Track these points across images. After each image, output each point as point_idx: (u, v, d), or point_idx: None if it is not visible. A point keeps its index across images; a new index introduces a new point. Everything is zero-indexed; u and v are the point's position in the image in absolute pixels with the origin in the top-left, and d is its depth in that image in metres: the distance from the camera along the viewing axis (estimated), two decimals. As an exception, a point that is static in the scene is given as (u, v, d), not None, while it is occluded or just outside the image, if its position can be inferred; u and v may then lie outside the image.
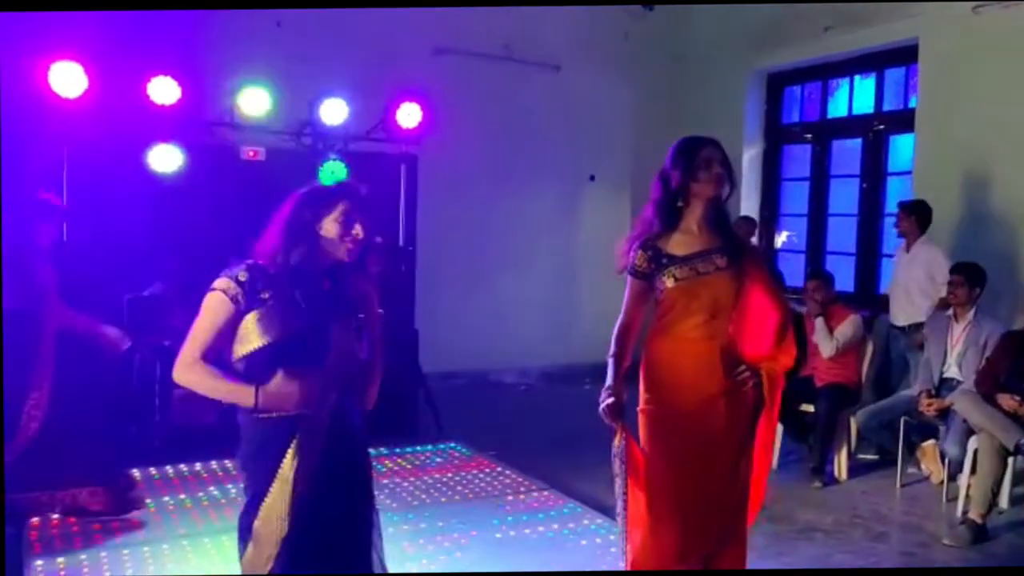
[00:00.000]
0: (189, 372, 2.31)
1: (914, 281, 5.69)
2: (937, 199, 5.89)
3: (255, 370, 2.32)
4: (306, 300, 2.36)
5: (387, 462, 5.53)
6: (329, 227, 2.38)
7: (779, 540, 4.26)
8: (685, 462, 2.87)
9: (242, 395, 2.31)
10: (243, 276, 2.33)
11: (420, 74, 6.70)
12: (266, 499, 2.34)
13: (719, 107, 7.81)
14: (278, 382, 2.30)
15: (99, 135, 5.30)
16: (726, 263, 2.89)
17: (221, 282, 2.33)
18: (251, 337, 2.32)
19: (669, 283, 2.85)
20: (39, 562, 3.84)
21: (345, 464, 2.43)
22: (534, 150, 8.06)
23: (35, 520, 4.26)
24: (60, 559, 3.88)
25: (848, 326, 5.45)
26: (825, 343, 5.43)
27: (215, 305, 2.31)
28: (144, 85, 5.19)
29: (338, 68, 6.40)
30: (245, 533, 2.38)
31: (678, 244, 2.87)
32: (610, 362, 2.93)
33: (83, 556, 3.93)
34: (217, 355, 2.34)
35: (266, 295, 2.32)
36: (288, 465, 2.33)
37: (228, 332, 2.33)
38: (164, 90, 5.20)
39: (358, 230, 2.40)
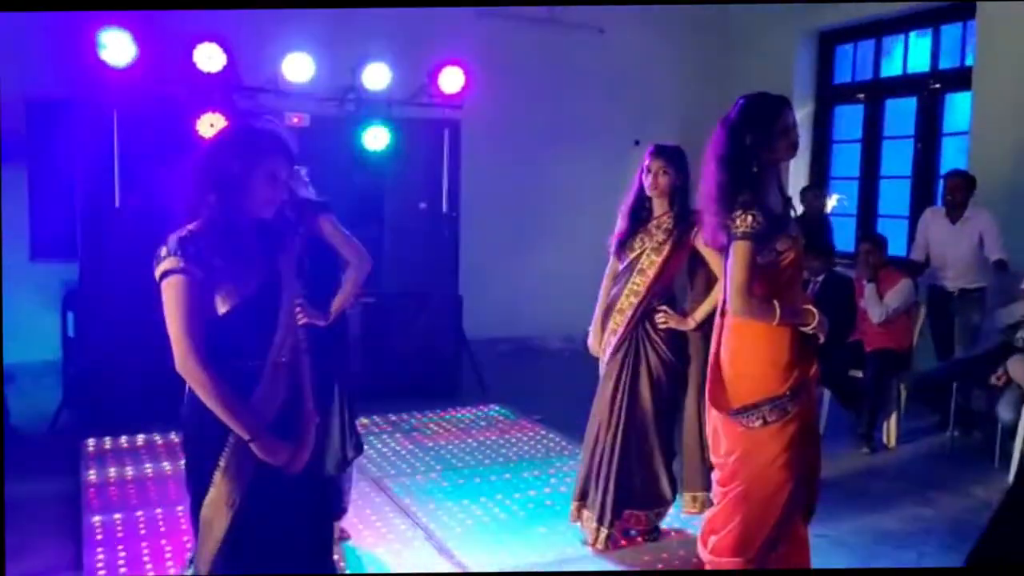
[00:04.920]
0: (184, 369, 2.14)
1: (970, 249, 5.56)
2: (994, 159, 5.72)
3: (213, 340, 2.17)
4: (250, 262, 2.22)
5: (432, 425, 5.59)
6: (257, 181, 2.20)
7: (825, 507, 4.19)
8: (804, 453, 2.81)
9: (239, 430, 2.16)
10: (190, 248, 2.14)
11: (463, 38, 6.65)
12: (211, 489, 2.21)
13: (768, 67, 7.64)
14: (275, 445, 2.21)
15: (148, 102, 5.37)
16: (796, 231, 2.83)
17: (170, 262, 2.14)
18: (208, 308, 2.18)
19: (784, 246, 2.71)
20: (96, 518, 3.98)
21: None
22: (578, 114, 7.97)
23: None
24: (117, 515, 4.01)
25: (899, 291, 5.33)
26: (875, 308, 5.32)
27: (178, 288, 2.13)
28: (190, 52, 5.22)
29: (381, 33, 6.38)
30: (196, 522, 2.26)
31: (769, 207, 2.72)
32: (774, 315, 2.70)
33: (139, 513, 4.05)
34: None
35: (216, 261, 2.15)
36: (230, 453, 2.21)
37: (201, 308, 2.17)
38: (210, 57, 5.24)
39: (285, 186, 2.25)
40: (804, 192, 6.99)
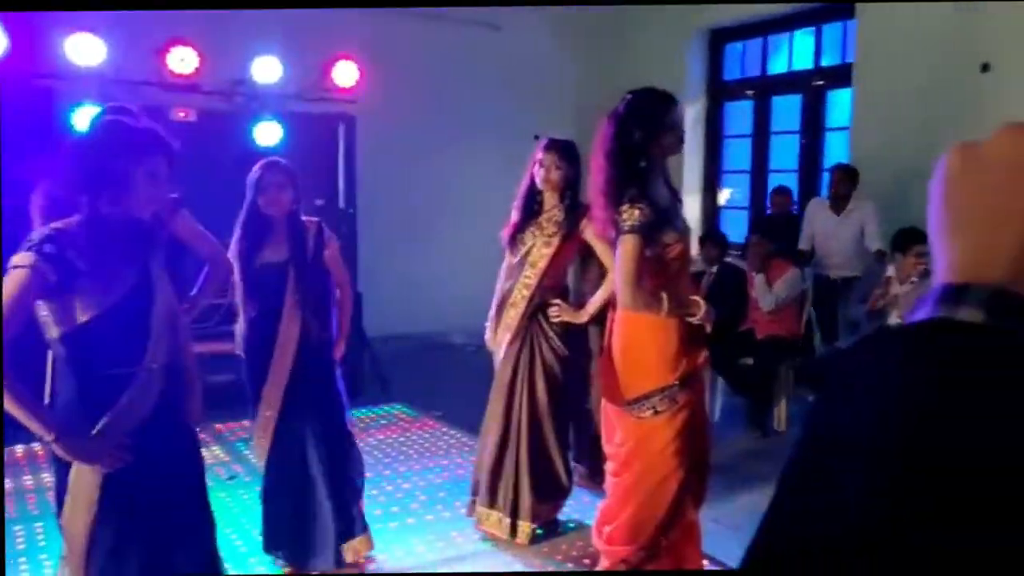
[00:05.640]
0: None
1: (853, 239, 5.81)
2: (873, 153, 5.98)
3: (80, 346, 2.09)
4: (121, 264, 2.13)
5: (332, 426, 5.49)
6: (136, 180, 2.12)
7: (717, 491, 4.30)
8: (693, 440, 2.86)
9: (39, 430, 2.03)
10: (48, 248, 2.02)
11: (357, 32, 6.55)
12: (67, 498, 2.12)
13: (661, 64, 7.78)
14: (84, 439, 2.06)
15: (20, 97, 5.09)
16: (684, 224, 2.88)
17: (23, 257, 2.01)
18: (73, 313, 2.07)
19: (671, 239, 2.75)
20: (18, 527, 3.82)
21: (165, 450, 2.20)
22: (476, 110, 7.96)
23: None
24: (38, 524, 3.86)
25: (787, 280, 5.51)
26: (765, 298, 5.49)
27: (17, 283, 1.99)
28: (65, 43, 4.98)
29: (271, 25, 6.22)
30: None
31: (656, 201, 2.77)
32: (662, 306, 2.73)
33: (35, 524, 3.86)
34: (23, 334, 2.03)
35: (81, 264, 2.05)
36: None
37: (33, 310, 2.05)
38: (88, 49, 5.01)
39: (165, 185, 2.19)
40: (772, 195, 7.12)
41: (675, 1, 7.83)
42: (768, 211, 7.01)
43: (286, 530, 3.37)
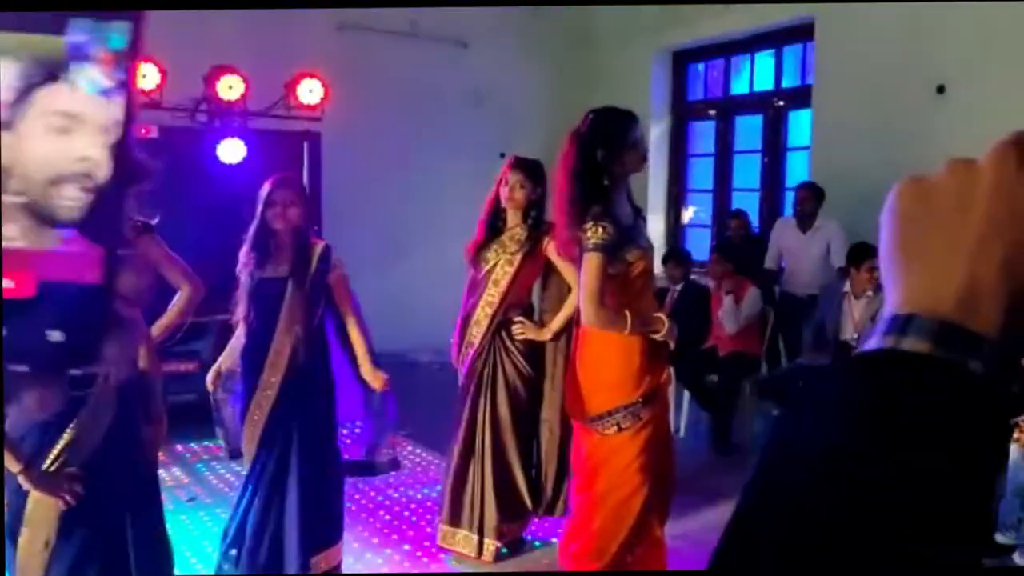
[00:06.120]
0: None
1: (820, 257, 5.89)
2: (833, 173, 6.07)
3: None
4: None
5: (296, 445, 5.43)
6: (129, 203, 2.16)
7: (681, 507, 4.31)
8: (659, 455, 2.89)
9: (9, 460, 2.00)
10: None
11: (323, 50, 6.54)
12: (23, 530, 2.07)
13: (627, 84, 7.87)
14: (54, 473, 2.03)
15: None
16: (647, 242, 2.91)
17: None
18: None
19: (633, 256, 2.78)
20: None
21: (121, 481, 2.19)
22: (443, 128, 7.98)
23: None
24: None
25: (748, 300, 5.58)
26: (731, 322, 5.54)
27: None
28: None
29: (235, 41, 6.20)
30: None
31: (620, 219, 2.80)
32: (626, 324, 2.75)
33: None
34: None
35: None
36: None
37: None
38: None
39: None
40: (728, 219, 7.17)
41: (649, 1, 7.89)
42: (728, 233, 7.10)
43: (253, 543, 3.31)
